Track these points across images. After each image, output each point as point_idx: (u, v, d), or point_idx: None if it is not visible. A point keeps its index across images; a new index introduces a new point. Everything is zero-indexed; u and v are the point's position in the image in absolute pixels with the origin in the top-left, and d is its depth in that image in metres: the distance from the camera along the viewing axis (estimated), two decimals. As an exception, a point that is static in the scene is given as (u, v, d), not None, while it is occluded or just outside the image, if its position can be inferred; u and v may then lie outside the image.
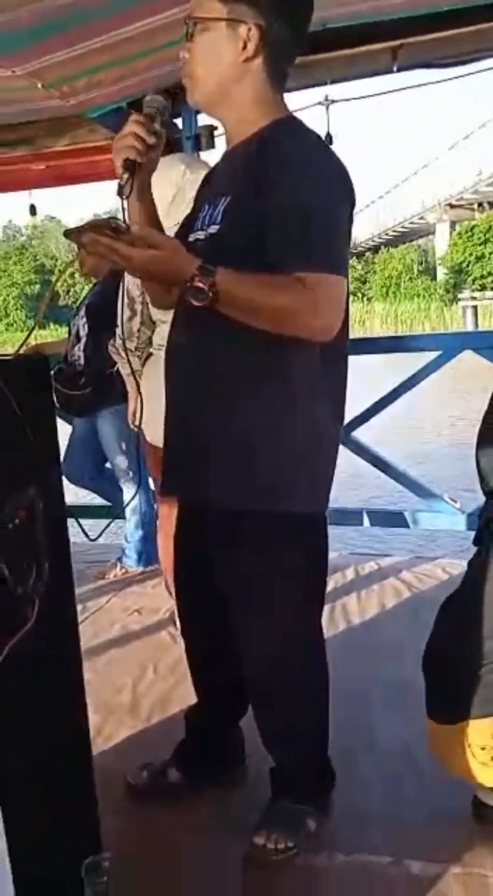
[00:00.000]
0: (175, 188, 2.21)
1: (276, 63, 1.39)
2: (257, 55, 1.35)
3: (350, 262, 1.43)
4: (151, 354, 2.42)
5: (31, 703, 1.19)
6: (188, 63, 1.37)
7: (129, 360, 2.41)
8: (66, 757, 1.33)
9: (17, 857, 1.06)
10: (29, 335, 1.11)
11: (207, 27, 1.33)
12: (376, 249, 47.54)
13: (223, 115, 1.44)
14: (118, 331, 2.42)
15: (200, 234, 1.43)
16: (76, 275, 3.16)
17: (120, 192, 1.38)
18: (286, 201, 1.29)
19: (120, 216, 1.43)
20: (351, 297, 1.43)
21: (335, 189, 1.35)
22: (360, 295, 42.27)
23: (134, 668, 2.41)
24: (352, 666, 2.35)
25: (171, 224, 1.59)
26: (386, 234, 48.25)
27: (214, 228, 1.38)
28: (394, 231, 47.82)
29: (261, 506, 1.41)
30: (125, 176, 1.36)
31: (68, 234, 1.32)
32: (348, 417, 3.43)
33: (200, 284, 1.25)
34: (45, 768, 1.23)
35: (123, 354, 2.43)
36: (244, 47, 1.34)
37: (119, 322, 2.41)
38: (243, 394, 1.39)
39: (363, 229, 47.65)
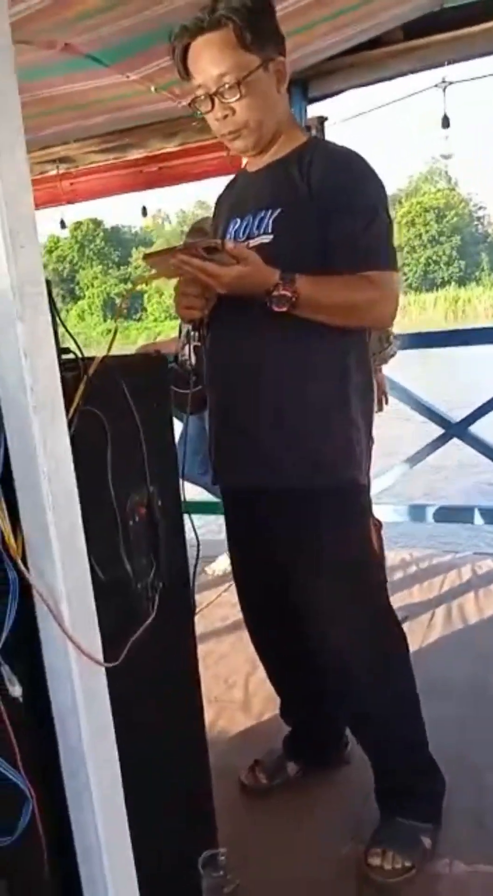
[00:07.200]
0: None
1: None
2: (285, 81, 1.44)
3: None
4: None
5: (151, 698, 1.21)
6: (235, 118, 1.41)
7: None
8: (183, 751, 1.35)
9: (136, 850, 1.08)
10: (113, 339, 1.16)
11: (248, 80, 1.37)
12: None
13: (270, 144, 1.48)
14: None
15: (250, 244, 1.44)
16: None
17: (189, 344, 1.52)
18: (348, 207, 1.39)
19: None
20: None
21: (383, 191, 1.46)
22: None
23: (245, 665, 2.42)
24: (470, 669, 2.27)
25: None
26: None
27: (266, 238, 1.44)
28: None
29: (327, 481, 1.46)
30: (195, 335, 1.49)
31: (150, 256, 1.34)
32: (466, 411, 3.38)
33: (285, 292, 1.34)
34: (163, 762, 1.25)
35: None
36: (279, 79, 1.43)
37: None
38: (299, 381, 1.45)
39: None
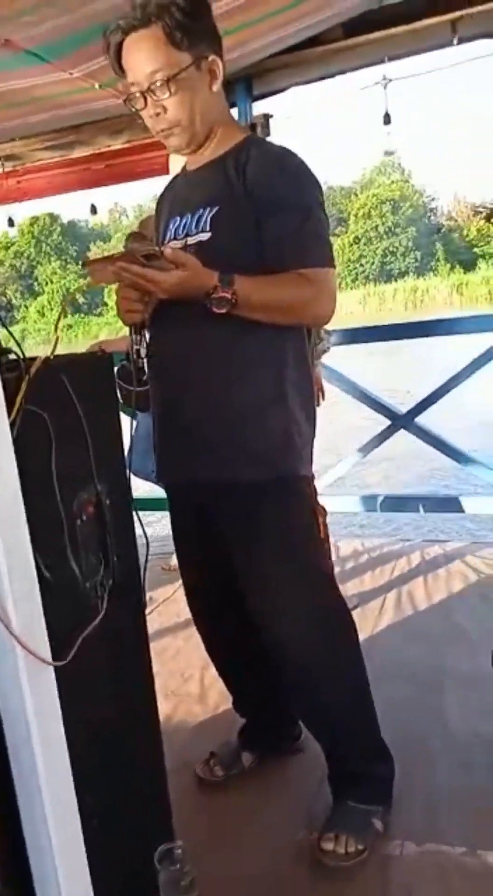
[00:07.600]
0: None
1: (223, 82, 1.49)
2: (218, 79, 1.46)
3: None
4: None
5: (104, 695, 1.22)
6: (167, 116, 1.43)
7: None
8: (138, 746, 1.36)
9: (91, 844, 1.09)
10: (56, 343, 1.17)
11: (179, 77, 1.39)
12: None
13: (205, 143, 1.51)
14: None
15: (188, 242, 1.48)
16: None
17: (137, 354, 1.51)
18: (283, 206, 1.41)
19: None
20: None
21: (318, 189, 1.48)
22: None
23: (200, 659, 2.44)
24: (421, 652, 2.33)
25: None
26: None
27: (204, 236, 1.46)
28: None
29: (267, 474, 1.48)
30: (137, 338, 1.49)
31: (91, 262, 1.34)
32: (414, 401, 3.45)
33: (225, 294, 1.36)
34: (117, 758, 1.26)
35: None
36: (212, 77, 1.45)
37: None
38: (236, 376, 1.47)
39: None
